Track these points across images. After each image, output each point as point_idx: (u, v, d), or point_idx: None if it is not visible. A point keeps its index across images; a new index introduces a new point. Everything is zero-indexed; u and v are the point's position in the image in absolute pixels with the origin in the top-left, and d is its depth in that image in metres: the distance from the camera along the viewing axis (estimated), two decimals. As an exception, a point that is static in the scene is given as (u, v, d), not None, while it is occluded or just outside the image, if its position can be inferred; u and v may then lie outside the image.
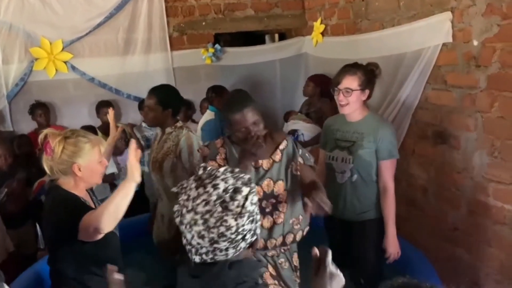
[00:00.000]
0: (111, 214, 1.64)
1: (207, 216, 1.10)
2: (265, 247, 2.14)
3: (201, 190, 1.13)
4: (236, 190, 1.13)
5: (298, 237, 2.20)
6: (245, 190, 1.14)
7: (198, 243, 1.12)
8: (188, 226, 1.13)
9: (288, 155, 2.16)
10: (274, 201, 2.11)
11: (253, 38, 5.61)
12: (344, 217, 2.45)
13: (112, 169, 3.77)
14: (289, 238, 2.16)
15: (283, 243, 2.16)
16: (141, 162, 3.99)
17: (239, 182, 1.15)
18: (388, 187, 2.35)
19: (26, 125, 4.06)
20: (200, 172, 1.20)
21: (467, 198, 2.68)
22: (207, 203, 1.10)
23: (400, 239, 2.43)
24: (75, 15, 4.02)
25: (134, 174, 1.63)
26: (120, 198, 1.63)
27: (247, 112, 2.00)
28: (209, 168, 1.20)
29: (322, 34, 4.24)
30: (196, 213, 1.11)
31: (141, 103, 4.23)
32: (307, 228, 2.24)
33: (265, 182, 2.10)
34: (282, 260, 2.20)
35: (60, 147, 1.82)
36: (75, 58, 4.09)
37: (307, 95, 4.16)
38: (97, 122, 4.19)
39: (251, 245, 1.21)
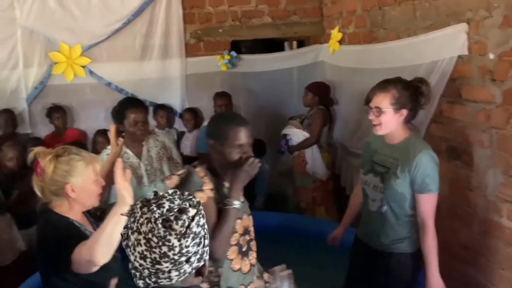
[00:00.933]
0: (104, 245, 1.50)
1: (149, 235, 1.07)
2: None
3: (145, 209, 1.11)
4: (182, 211, 1.10)
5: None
6: (192, 211, 1.11)
7: (141, 265, 1.10)
8: (132, 248, 1.11)
9: None
10: (248, 238, 1.97)
11: (273, 45, 5.60)
12: (372, 245, 2.31)
13: None
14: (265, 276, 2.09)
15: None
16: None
17: (186, 204, 1.13)
18: (426, 224, 2.09)
19: (44, 128, 4.15)
20: (152, 196, 1.17)
21: (480, 217, 2.57)
22: (149, 221, 1.08)
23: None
24: (94, 20, 4.08)
25: (124, 198, 1.50)
26: (112, 226, 1.50)
27: (247, 130, 1.86)
28: (160, 194, 1.17)
29: (340, 42, 4.18)
30: (139, 233, 1.09)
31: (156, 109, 4.27)
32: None
33: (245, 216, 1.94)
34: None
35: (51, 167, 1.68)
36: (93, 63, 4.15)
37: (306, 105, 4.11)
38: (113, 127, 4.24)
39: (200, 272, 1.17)
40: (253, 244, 2.01)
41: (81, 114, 4.29)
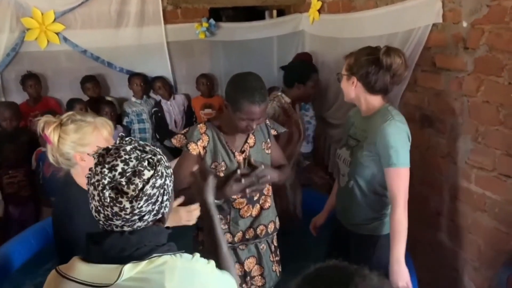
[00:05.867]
0: None
1: (101, 194, 1.05)
2: (256, 236, 2.12)
3: (98, 168, 1.06)
4: (136, 173, 1.05)
5: (277, 225, 2.23)
6: (148, 173, 1.06)
7: (96, 216, 1.09)
8: (90, 197, 1.09)
9: (259, 135, 2.11)
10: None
11: (254, 15, 5.51)
12: (344, 224, 2.20)
13: None
14: (271, 226, 2.19)
15: (274, 229, 2.20)
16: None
17: (143, 164, 1.06)
18: (394, 202, 1.88)
19: (18, 96, 4.04)
20: (117, 141, 1.13)
21: (450, 183, 2.63)
22: (99, 184, 1.04)
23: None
24: (67, -15, 3.94)
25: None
26: None
27: (262, 108, 1.87)
28: (126, 140, 1.12)
29: (319, 11, 4.13)
30: (95, 188, 1.06)
31: (130, 77, 4.20)
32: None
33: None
34: (264, 245, 2.21)
35: (56, 136, 1.59)
36: (67, 29, 4.03)
37: None
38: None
39: (159, 220, 1.16)
40: (266, 190, 2.11)
41: (56, 82, 4.19)
